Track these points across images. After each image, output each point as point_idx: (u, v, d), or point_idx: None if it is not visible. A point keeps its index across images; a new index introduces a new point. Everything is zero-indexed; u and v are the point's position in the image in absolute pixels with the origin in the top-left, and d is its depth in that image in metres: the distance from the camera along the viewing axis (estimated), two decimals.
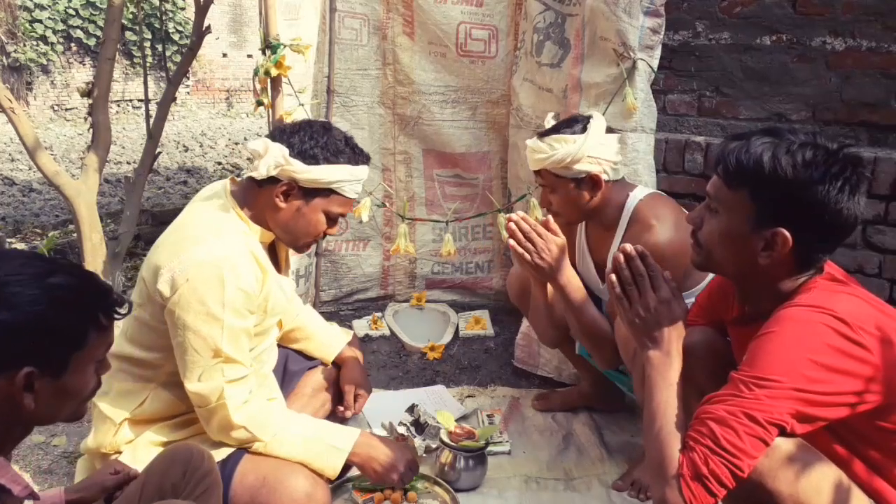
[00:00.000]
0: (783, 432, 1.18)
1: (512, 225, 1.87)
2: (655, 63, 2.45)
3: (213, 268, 1.54)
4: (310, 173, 1.63)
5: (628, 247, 1.37)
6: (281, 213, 1.67)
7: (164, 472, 1.45)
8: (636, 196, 2.06)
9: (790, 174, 1.25)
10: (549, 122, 2.11)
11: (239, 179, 1.74)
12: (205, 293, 1.53)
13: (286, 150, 1.61)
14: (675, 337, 1.34)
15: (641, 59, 2.39)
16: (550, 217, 1.93)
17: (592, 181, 2.00)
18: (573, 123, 2.03)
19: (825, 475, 1.20)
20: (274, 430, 1.65)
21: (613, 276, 1.39)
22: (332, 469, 1.67)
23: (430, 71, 3.18)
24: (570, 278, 1.93)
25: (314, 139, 1.65)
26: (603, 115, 2.39)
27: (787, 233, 1.27)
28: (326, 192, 1.67)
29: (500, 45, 3.15)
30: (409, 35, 3.14)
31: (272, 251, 1.79)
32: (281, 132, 1.67)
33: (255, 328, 1.66)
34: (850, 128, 2.93)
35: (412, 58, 3.16)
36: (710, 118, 3.23)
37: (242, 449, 1.65)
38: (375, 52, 3.15)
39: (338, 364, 2.10)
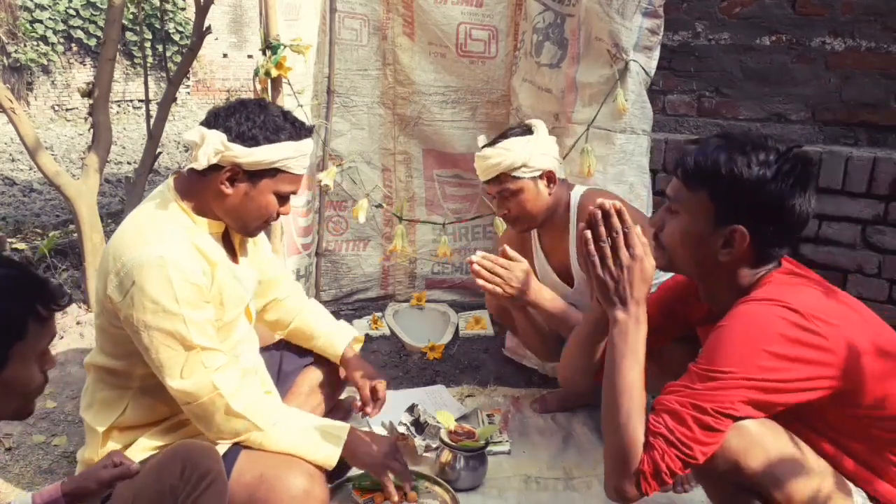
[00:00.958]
0: (736, 420, 1.23)
1: (476, 267, 1.90)
2: (654, 64, 2.46)
3: (157, 267, 1.51)
4: (252, 156, 1.57)
5: (606, 203, 1.36)
6: (228, 200, 1.62)
7: (162, 472, 1.41)
8: (577, 192, 2.18)
9: (745, 174, 1.31)
10: (482, 141, 2.21)
11: (181, 173, 1.67)
12: (154, 293, 1.50)
13: (224, 136, 1.55)
14: (643, 298, 1.35)
15: (634, 61, 2.40)
16: (506, 246, 1.95)
17: (548, 177, 2.11)
18: (516, 130, 2.16)
19: (797, 452, 1.27)
20: (272, 419, 1.63)
21: (588, 232, 1.37)
22: (329, 458, 1.67)
23: (430, 71, 3.18)
24: (540, 293, 1.96)
25: (251, 119, 1.58)
26: (596, 114, 2.44)
27: (744, 230, 1.33)
28: (272, 172, 1.61)
29: (499, 45, 3.15)
30: (409, 35, 3.14)
31: (227, 240, 1.75)
32: (216, 116, 1.61)
33: (216, 322, 1.64)
34: (849, 128, 2.93)
35: (412, 58, 3.16)
36: (710, 118, 3.24)
37: (239, 445, 1.63)
38: (375, 52, 3.15)
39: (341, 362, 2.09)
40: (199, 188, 1.63)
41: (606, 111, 2.46)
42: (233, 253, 1.76)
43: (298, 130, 1.64)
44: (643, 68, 2.43)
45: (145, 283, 1.50)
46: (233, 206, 1.63)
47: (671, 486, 1.99)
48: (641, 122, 2.48)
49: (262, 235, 1.93)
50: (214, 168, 1.58)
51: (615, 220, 1.34)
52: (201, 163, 1.54)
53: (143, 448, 1.64)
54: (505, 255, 1.92)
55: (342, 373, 2.10)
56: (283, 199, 1.68)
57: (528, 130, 2.13)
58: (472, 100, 3.23)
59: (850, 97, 2.91)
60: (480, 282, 1.91)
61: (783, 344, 1.23)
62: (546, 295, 1.96)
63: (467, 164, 3.31)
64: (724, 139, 1.37)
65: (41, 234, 4.63)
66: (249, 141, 1.57)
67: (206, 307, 1.59)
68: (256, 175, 1.60)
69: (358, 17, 3.08)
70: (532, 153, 2.06)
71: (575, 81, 2.62)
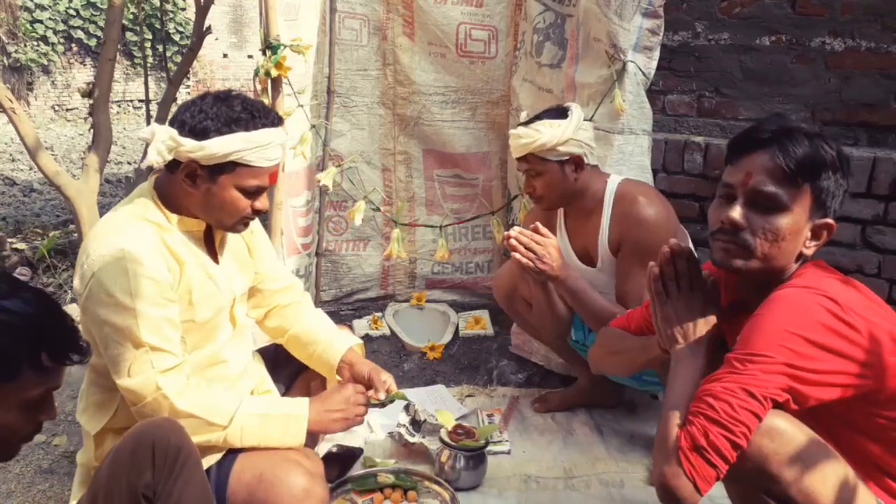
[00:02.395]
0: (779, 407, 1.20)
1: (513, 241, 2.03)
2: (654, 64, 2.46)
3: (116, 259, 1.47)
4: (203, 150, 1.50)
5: (676, 244, 1.41)
6: (192, 197, 1.57)
7: (132, 470, 1.35)
8: (614, 181, 2.23)
9: (837, 164, 1.30)
10: (524, 117, 2.26)
11: (162, 171, 1.63)
12: (111, 285, 1.47)
13: (174, 131, 1.50)
14: (706, 336, 1.37)
15: (631, 62, 2.40)
16: (538, 224, 2.06)
17: (575, 163, 2.15)
18: (554, 111, 2.19)
19: (831, 464, 1.22)
20: (228, 413, 1.57)
21: (656, 270, 1.42)
22: (298, 438, 1.64)
23: (430, 71, 3.18)
24: (566, 269, 2.08)
25: (203, 112, 1.53)
26: (593, 115, 2.45)
27: (832, 222, 1.32)
28: (229, 166, 1.53)
29: (499, 45, 3.15)
30: (409, 36, 3.14)
31: (211, 240, 1.70)
32: (178, 111, 1.56)
33: (188, 321, 1.60)
34: (849, 128, 2.93)
35: (412, 58, 3.16)
36: (710, 118, 3.24)
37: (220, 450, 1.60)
38: (375, 52, 3.15)
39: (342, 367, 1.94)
40: (171, 185, 1.59)
41: (604, 112, 2.46)
42: (214, 253, 1.71)
43: (255, 120, 1.55)
44: (640, 69, 2.42)
45: (103, 274, 1.47)
46: (200, 204, 1.59)
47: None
48: (641, 123, 2.48)
49: (263, 244, 1.88)
50: (178, 165, 1.54)
51: (683, 262, 1.40)
52: (151, 159, 1.50)
53: None
54: (537, 231, 2.03)
55: (343, 375, 1.93)
56: (251, 193, 1.59)
57: (563, 114, 2.15)
58: (472, 100, 3.23)
59: (850, 97, 2.90)
60: (516, 255, 2.02)
61: (821, 332, 1.20)
62: (574, 273, 2.08)
63: (467, 164, 3.33)
64: (801, 128, 1.32)
65: (41, 234, 4.63)
66: (200, 134, 1.51)
67: (166, 305, 1.54)
68: (214, 170, 1.54)
69: (358, 17, 3.09)
70: (562, 138, 2.09)
71: (574, 82, 2.62)
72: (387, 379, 1.86)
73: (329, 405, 1.69)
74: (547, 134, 2.10)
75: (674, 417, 1.26)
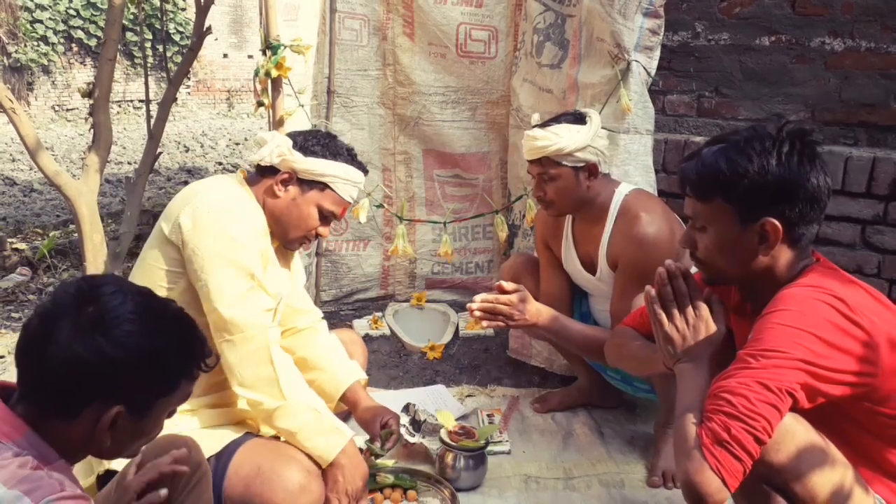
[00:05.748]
0: (794, 402, 1.20)
1: (477, 313, 1.95)
2: (655, 64, 2.46)
3: (229, 204, 1.69)
4: (307, 164, 1.75)
5: (672, 265, 1.42)
6: (278, 202, 1.77)
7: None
8: (622, 191, 2.18)
9: (749, 168, 1.31)
10: (535, 120, 2.21)
11: (247, 171, 1.84)
12: (226, 224, 1.63)
13: (290, 142, 1.75)
14: (708, 354, 1.38)
15: (636, 61, 2.40)
16: (502, 281, 1.99)
17: (590, 170, 2.11)
18: (570, 116, 2.15)
19: (830, 458, 1.23)
20: (296, 391, 1.66)
21: (653, 292, 1.44)
22: (330, 451, 1.67)
23: (430, 71, 3.18)
24: (539, 315, 1.98)
25: (317, 138, 1.80)
26: (598, 115, 2.44)
27: (774, 220, 1.32)
28: (322, 185, 1.78)
29: (499, 45, 3.15)
30: (409, 36, 3.14)
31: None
32: (291, 134, 1.82)
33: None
34: (848, 128, 2.93)
35: (412, 58, 3.16)
36: (710, 119, 3.24)
37: (249, 434, 1.67)
38: (375, 52, 3.15)
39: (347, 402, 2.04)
40: (257, 185, 1.79)
41: (609, 111, 2.46)
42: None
43: (354, 161, 1.83)
44: (645, 68, 2.42)
45: (218, 214, 1.64)
46: (279, 209, 1.77)
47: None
48: (644, 122, 2.48)
49: (297, 264, 2.00)
50: (273, 171, 1.76)
51: (681, 282, 1.42)
52: (262, 155, 1.74)
53: None
54: (501, 290, 1.96)
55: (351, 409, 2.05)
56: (324, 217, 1.81)
57: (581, 119, 2.12)
58: (472, 100, 3.23)
59: (850, 97, 2.90)
60: (485, 323, 1.97)
61: (830, 331, 1.21)
62: (544, 314, 2.00)
63: (467, 164, 3.33)
64: (717, 143, 1.38)
65: (41, 234, 4.63)
66: (310, 153, 1.76)
67: (259, 257, 1.69)
68: (307, 185, 1.77)
69: (358, 18, 3.09)
70: (580, 143, 2.06)
71: (576, 82, 2.62)
72: (389, 422, 1.98)
73: (354, 469, 1.72)
74: (566, 138, 2.06)
75: (689, 419, 1.25)
